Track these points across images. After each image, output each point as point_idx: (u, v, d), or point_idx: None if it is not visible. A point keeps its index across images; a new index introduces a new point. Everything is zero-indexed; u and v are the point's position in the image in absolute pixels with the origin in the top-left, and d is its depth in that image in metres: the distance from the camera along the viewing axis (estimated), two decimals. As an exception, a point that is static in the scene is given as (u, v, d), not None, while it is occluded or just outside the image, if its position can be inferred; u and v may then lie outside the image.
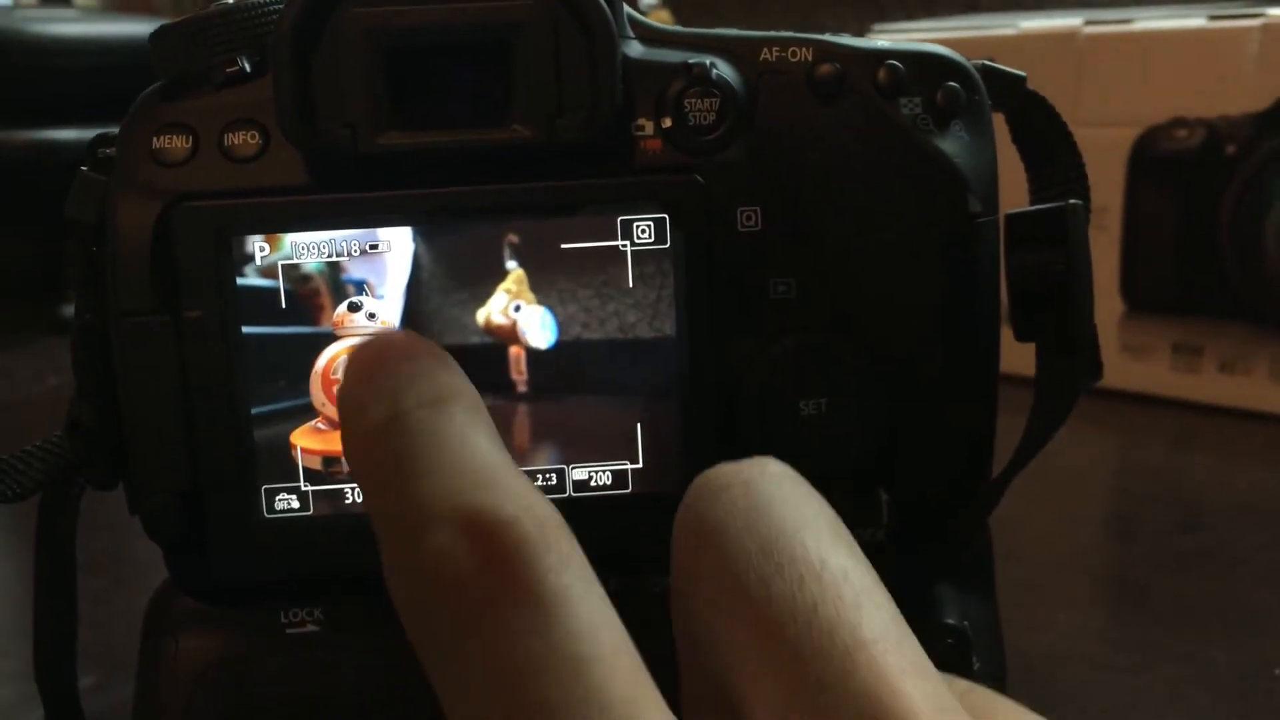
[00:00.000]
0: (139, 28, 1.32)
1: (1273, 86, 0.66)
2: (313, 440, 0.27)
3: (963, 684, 0.20)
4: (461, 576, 0.17)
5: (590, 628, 0.16)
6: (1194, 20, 0.70)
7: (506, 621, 0.16)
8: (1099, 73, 0.72)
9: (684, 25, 0.29)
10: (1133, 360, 0.73)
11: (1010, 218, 0.29)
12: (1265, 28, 0.67)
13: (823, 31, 0.28)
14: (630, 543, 0.28)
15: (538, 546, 0.17)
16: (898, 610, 0.18)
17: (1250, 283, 0.69)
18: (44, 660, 0.30)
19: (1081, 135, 0.30)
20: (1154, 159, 0.70)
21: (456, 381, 0.19)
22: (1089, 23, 0.73)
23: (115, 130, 0.27)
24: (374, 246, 0.27)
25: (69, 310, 1.12)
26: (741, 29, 0.29)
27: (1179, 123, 0.69)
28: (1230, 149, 0.68)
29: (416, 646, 0.17)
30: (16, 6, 1.53)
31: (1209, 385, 0.71)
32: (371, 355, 0.20)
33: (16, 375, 0.97)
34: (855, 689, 0.16)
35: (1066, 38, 0.73)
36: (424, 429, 0.18)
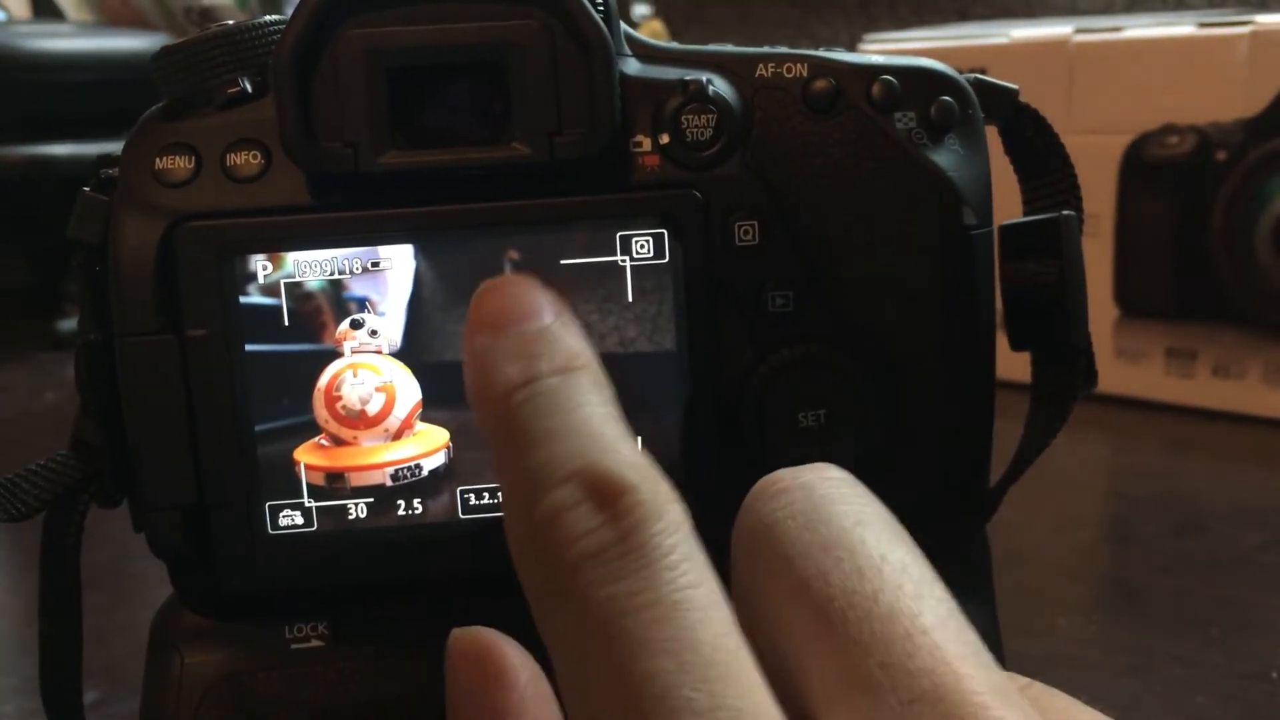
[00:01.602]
0: (133, 42, 1.33)
1: (1262, 92, 0.67)
2: (316, 456, 0.27)
3: (1021, 679, 0.20)
4: (580, 528, 0.18)
5: (690, 582, 0.17)
6: (1183, 28, 0.71)
7: (615, 567, 0.17)
8: (1090, 81, 0.72)
9: (677, 37, 0.30)
10: (1127, 365, 0.73)
11: (1004, 229, 0.29)
12: (1254, 35, 0.67)
13: (815, 41, 0.29)
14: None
15: (651, 509, 0.18)
16: (957, 605, 0.18)
17: (1243, 287, 0.69)
18: (49, 677, 0.30)
19: (1073, 143, 0.31)
20: (1145, 165, 0.71)
21: (582, 347, 0.20)
22: (1079, 31, 0.73)
23: (118, 151, 0.27)
24: (375, 264, 0.27)
25: (65, 325, 1.12)
26: (735, 40, 0.29)
27: (1170, 129, 0.70)
28: (1221, 155, 0.68)
29: (528, 596, 0.18)
30: (10, 21, 1.54)
31: (1203, 390, 0.72)
32: (502, 309, 0.20)
33: (14, 390, 0.97)
34: (916, 669, 0.17)
35: (1057, 46, 0.73)
36: (554, 398, 0.19)
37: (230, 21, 0.28)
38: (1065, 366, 0.29)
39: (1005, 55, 0.75)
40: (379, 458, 0.27)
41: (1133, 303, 0.73)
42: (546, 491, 0.18)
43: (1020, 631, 0.32)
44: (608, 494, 0.18)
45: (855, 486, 0.20)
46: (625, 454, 0.19)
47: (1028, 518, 0.56)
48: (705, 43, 0.29)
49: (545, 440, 0.19)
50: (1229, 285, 0.70)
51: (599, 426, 0.19)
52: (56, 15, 1.66)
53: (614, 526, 0.18)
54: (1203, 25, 0.70)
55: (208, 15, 1.52)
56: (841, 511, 0.19)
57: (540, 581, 0.18)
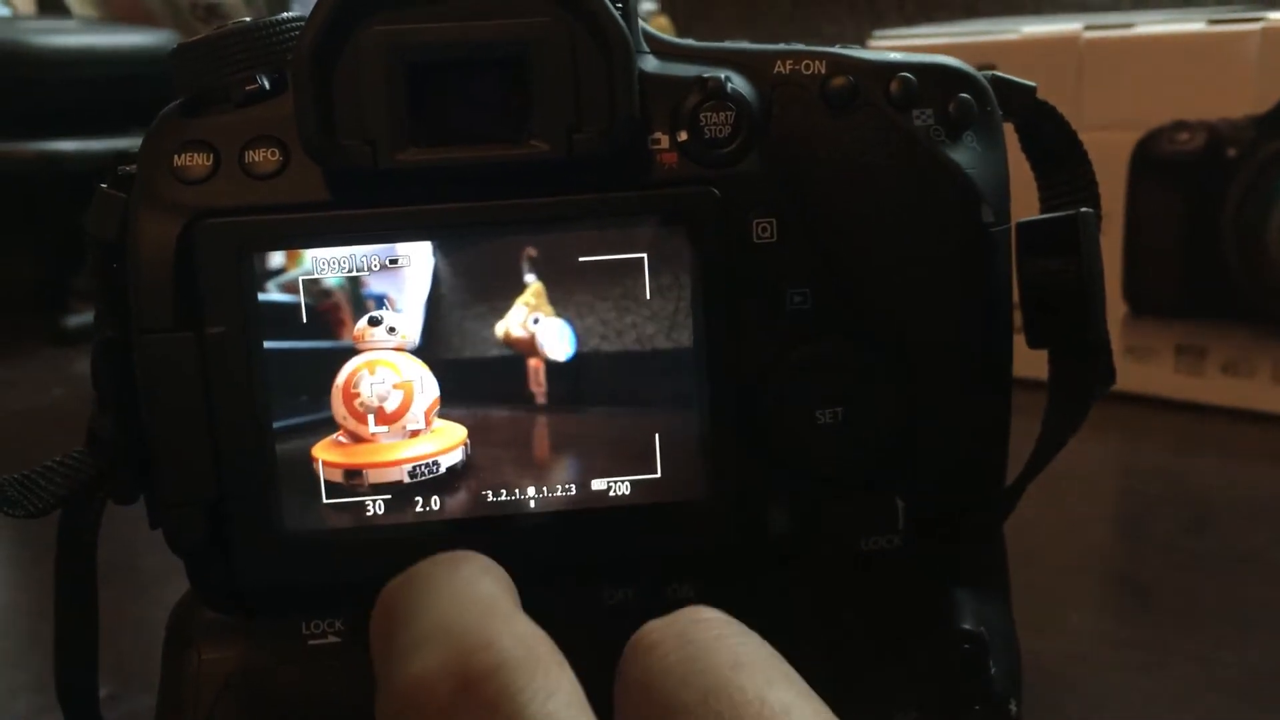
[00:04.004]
0: (138, 39, 1.33)
1: (1273, 89, 0.67)
2: (334, 453, 0.27)
3: None
4: (438, 701, 0.17)
5: None
6: (1194, 24, 0.71)
7: None
8: (1100, 77, 0.72)
9: (683, 33, 0.29)
10: (1136, 362, 0.73)
11: (1021, 226, 0.29)
12: (1265, 31, 0.67)
13: (822, 38, 0.29)
14: (649, 552, 0.28)
15: (519, 671, 0.17)
16: None
17: (1252, 284, 0.69)
18: (66, 673, 0.30)
19: (1083, 139, 0.31)
20: (1156, 162, 0.71)
21: (470, 552, 0.20)
22: (1089, 27, 0.73)
23: (134, 148, 0.27)
24: (394, 261, 0.27)
25: (72, 321, 1.12)
26: (742, 37, 0.29)
27: (1180, 126, 0.69)
28: (1232, 151, 0.68)
29: None
30: (15, 17, 1.53)
31: (1212, 387, 0.71)
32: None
33: (21, 386, 0.97)
34: None
35: (1067, 42, 0.73)
36: (431, 578, 0.19)
37: (238, 18, 0.28)
38: (1083, 364, 0.29)
39: (1015, 51, 0.75)
40: (397, 455, 0.27)
41: (1142, 300, 0.73)
42: (405, 662, 0.18)
43: (1033, 629, 0.32)
44: (464, 656, 0.17)
45: (730, 625, 0.19)
46: (496, 615, 0.18)
47: (1039, 515, 0.56)
48: (712, 39, 0.29)
49: (413, 616, 0.19)
50: (1239, 282, 0.69)
51: (471, 595, 0.19)
52: (62, 11, 1.66)
53: (472, 694, 0.17)
54: (1213, 22, 0.70)
55: (213, 11, 1.52)
56: (719, 658, 0.18)
57: None
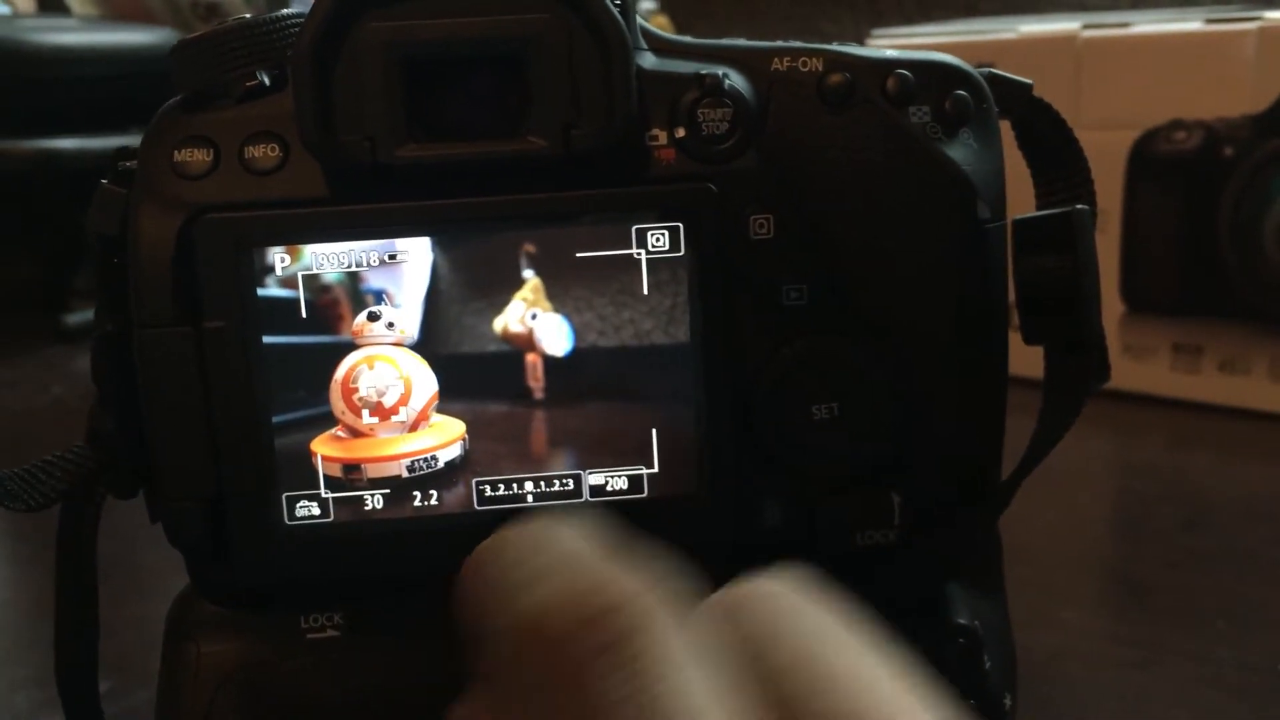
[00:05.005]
0: (138, 37, 1.33)
1: (1270, 89, 0.67)
2: (333, 448, 0.28)
3: None
4: (561, 630, 0.17)
5: (687, 691, 0.16)
6: (1191, 24, 0.71)
7: (604, 681, 0.16)
8: (1098, 76, 0.72)
9: (682, 31, 0.30)
10: (1133, 361, 0.73)
11: (1017, 223, 0.29)
12: (1262, 31, 0.67)
13: (821, 37, 0.29)
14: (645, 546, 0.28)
15: (642, 614, 0.17)
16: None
17: (1249, 283, 0.69)
18: (66, 668, 0.31)
19: (1081, 138, 0.31)
20: (1153, 161, 0.71)
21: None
22: (1087, 26, 0.73)
23: (135, 144, 0.28)
24: (393, 256, 0.27)
25: (72, 319, 1.12)
26: (741, 35, 0.30)
27: (1177, 125, 0.70)
28: (1228, 151, 0.68)
29: (510, 704, 0.17)
30: (15, 16, 1.53)
31: (1209, 385, 0.72)
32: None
33: (21, 385, 0.97)
34: None
35: (1065, 42, 0.73)
36: (534, 530, 0.19)
37: (238, 15, 0.28)
38: (1078, 360, 0.29)
39: (1013, 50, 0.75)
40: (395, 449, 0.28)
41: (1139, 298, 0.73)
42: (522, 594, 0.18)
43: (1029, 626, 0.33)
44: (590, 590, 0.17)
45: (814, 593, 0.19)
46: (618, 560, 0.18)
47: (1035, 512, 0.56)
48: (710, 37, 0.29)
49: (521, 560, 0.19)
50: (1235, 281, 0.70)
51: (587, 545, 0.19)
52: (62, 10, 1.66)
53: (598, 628, 0.17)
54: (1210, 21, 0.70)
55: (213, 10, 1.52)
56: (810, 623, 0.19)
57: (522, 694, 0.17)
